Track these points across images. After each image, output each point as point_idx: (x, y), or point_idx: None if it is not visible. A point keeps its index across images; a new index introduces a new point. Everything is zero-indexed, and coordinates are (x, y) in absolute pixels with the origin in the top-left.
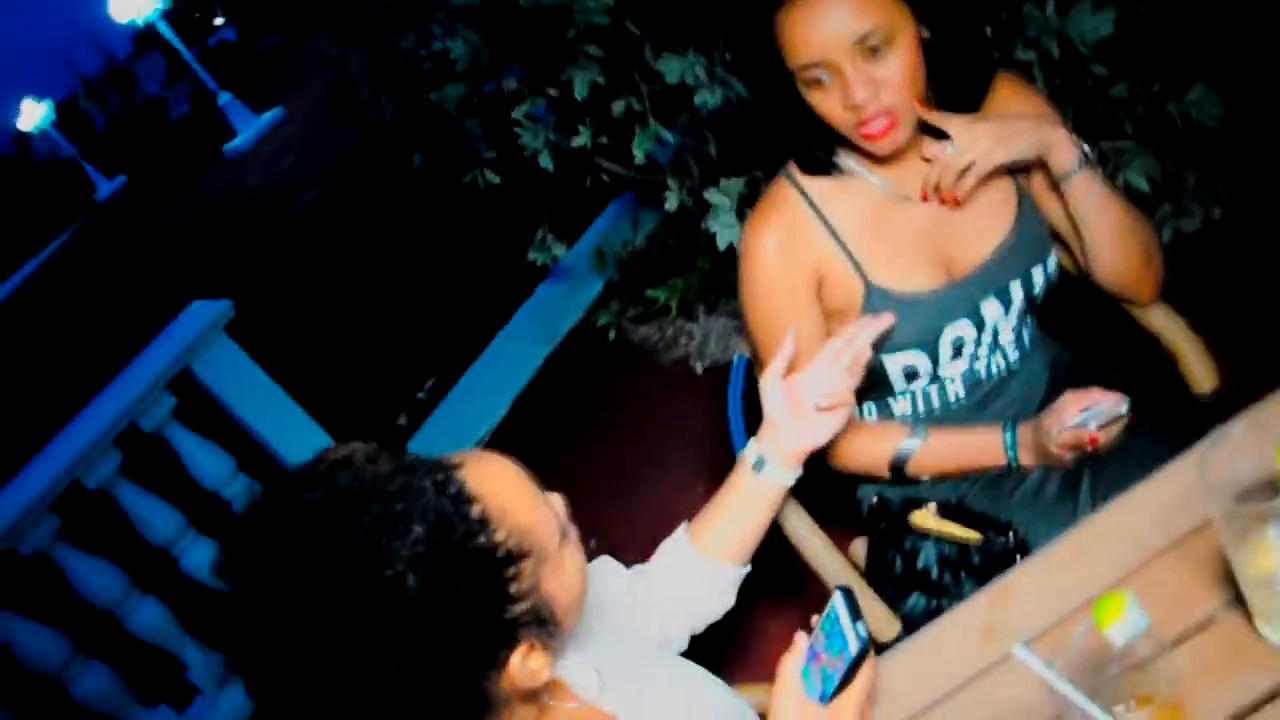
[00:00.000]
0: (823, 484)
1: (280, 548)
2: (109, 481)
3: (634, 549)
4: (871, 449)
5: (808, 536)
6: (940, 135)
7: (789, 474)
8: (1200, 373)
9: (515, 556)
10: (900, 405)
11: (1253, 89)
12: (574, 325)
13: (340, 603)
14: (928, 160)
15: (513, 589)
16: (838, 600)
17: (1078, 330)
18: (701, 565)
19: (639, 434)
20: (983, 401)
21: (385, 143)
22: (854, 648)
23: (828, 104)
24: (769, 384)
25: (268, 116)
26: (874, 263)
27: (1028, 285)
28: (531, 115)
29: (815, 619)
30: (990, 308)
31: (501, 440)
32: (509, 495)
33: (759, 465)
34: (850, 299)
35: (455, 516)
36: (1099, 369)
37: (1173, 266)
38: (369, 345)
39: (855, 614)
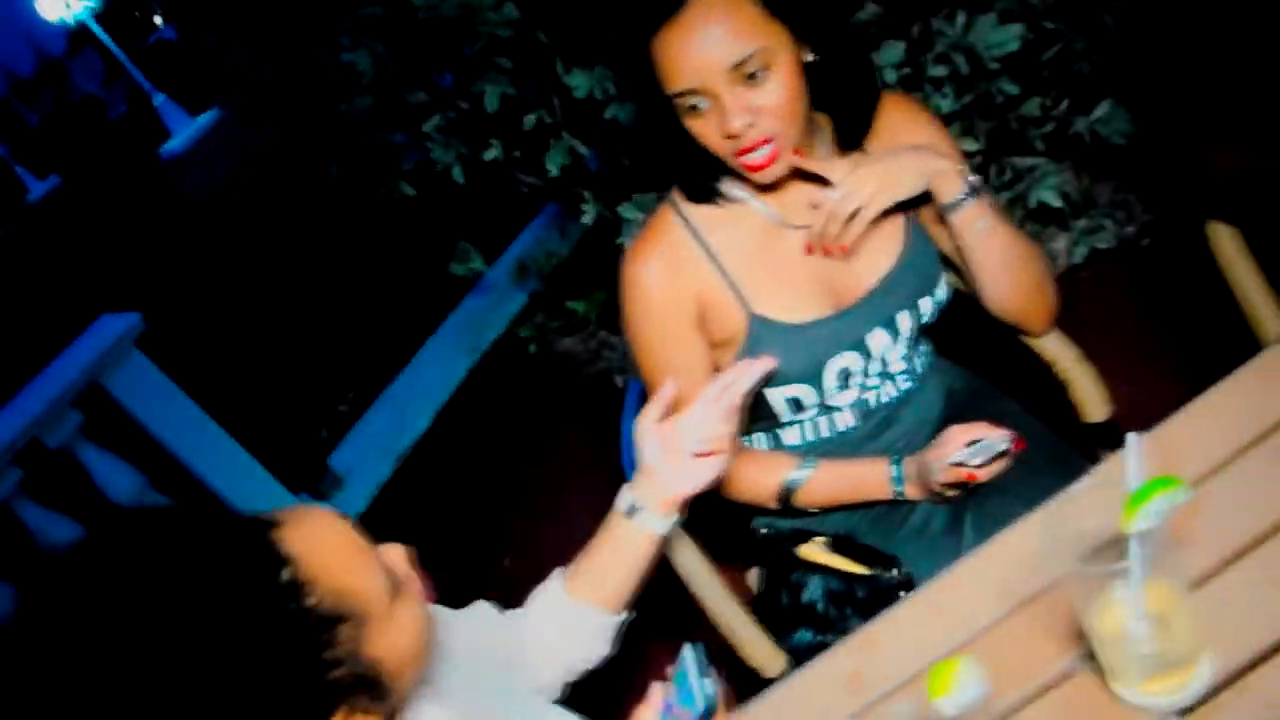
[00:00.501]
0: (719, 514)
1: (74, 614)
2: (10, 496)
3: (552, 565)
4: (759, 479)
5: (696, 570)
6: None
7: (663, 521)
8: (1092, 402)
9: (331, 620)
10: (790, 434)
11: (1161, 104)
12: (499, 338)
13: (139, 672)
14: (816, 207)
15: (328, 654)
16: (687, 655)
17: (978, 353)
18: (575, 612)
19: (561, 448)
20: (875, 430)
21: (303, 153)
22: (700, 704)
23: (706, 132)
24: (643, 429)
25: (204, 118)
26: (758, 292)
27: (916, 315)
28: (442, 128)
29: (670, 670)
30: (877, 338)
31: (423, 453)
32: (329, 555)
33: (632, 511)
34: (733, 329)
35: (266, 579)
36: (995, 398)
37: (1085, 283)
38: (293, 356)
39: (705, 669)
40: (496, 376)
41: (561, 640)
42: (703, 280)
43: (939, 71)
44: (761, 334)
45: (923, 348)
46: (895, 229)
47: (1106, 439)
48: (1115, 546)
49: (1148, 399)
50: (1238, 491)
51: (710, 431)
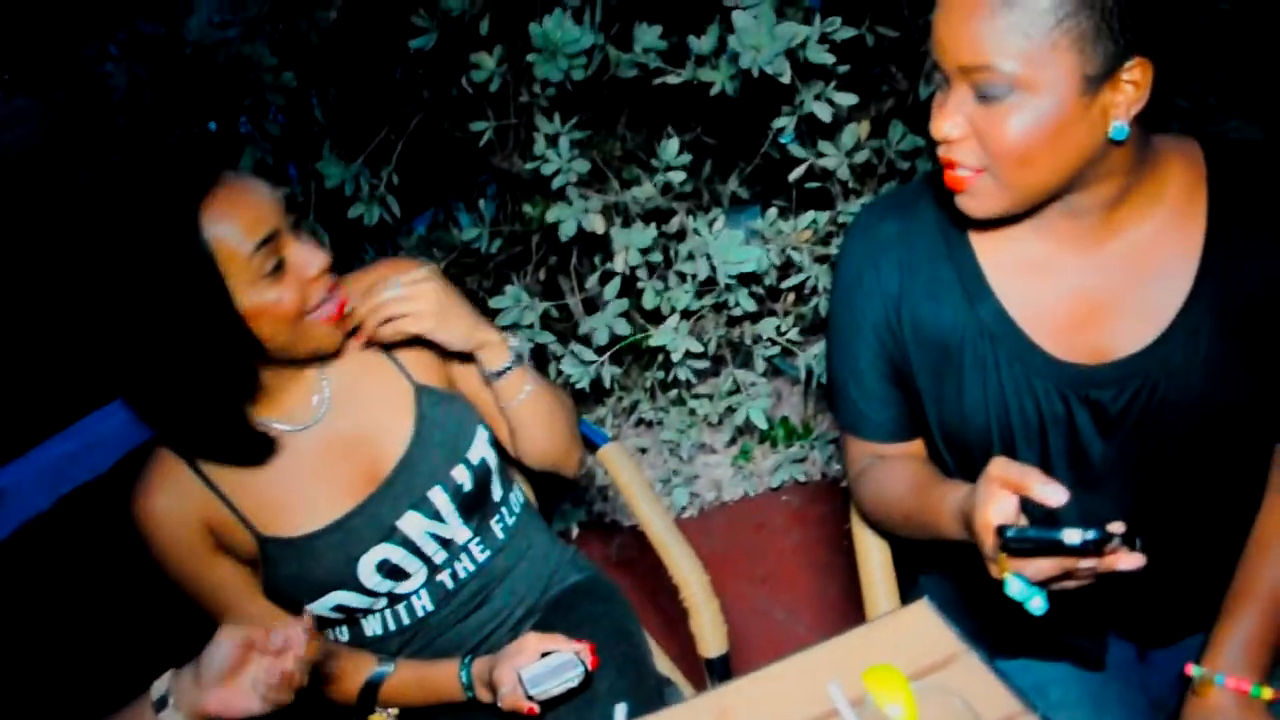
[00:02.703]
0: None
1: None
2: None
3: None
4: (339, 685)
5: None
6: None
7: None
8: (710, 635)
9: None
10: (371, 623)
11: None
12: None
13: None
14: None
15: None
16: None
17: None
18: None
19: None
20: (461, 611)
21: (62, 152)
22: None
23: (286, 293)
24: (223, 638)
25: None
26: (263, 512)
27: (453, 486)
28: None
29: None
30: (411, 522)
31: (93, 495)
32: None
33: (161, 704)
34: (249, 552)
35: None
36: (602, 599)
37: (772, 509)
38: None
39: None
40: None
41: None
42: (207, 510)
43: (686, 268)
44: (275, 553)
45: (506, 511)
46: (403, 405)
47: (722, 673)
48: None
49: (773, 640)
50: None
51: (270, 682)
